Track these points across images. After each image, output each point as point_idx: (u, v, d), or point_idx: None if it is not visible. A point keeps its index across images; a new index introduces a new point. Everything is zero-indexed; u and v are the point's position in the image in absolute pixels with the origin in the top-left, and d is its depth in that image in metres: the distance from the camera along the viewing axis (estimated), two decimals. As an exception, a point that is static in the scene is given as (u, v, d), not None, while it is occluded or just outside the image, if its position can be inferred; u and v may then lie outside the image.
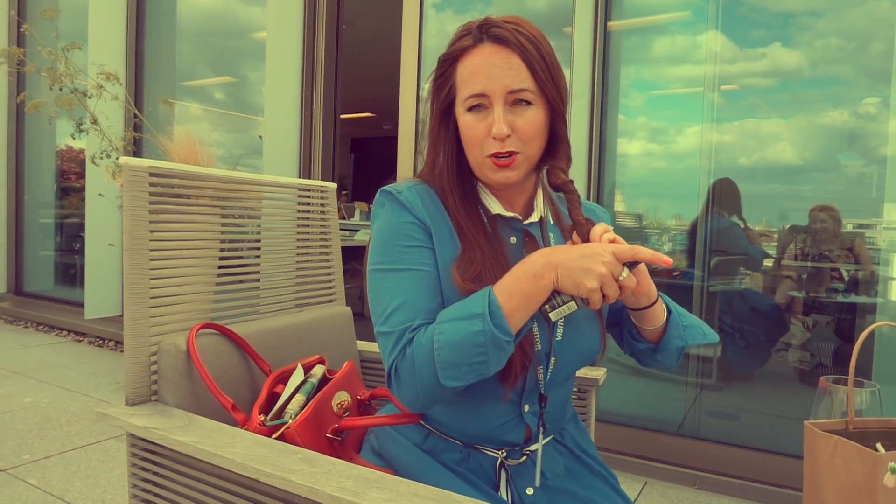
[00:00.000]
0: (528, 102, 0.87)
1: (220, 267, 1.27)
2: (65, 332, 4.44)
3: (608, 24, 2.60)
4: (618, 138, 2.69)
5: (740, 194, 2.59)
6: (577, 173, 2.53)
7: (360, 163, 10.93)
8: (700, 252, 2.67)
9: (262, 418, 0.98)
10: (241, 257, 1.31)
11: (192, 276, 1.14)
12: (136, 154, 3.64)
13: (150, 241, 1.06)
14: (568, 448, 1.03)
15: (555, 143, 0.92)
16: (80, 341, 4.26)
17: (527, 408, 0.94)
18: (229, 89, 4.43)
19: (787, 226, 2.56)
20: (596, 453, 1.08)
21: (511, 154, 0.88)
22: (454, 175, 0.94)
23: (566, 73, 0.93)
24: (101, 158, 2.90)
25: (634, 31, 2.71)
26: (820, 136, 2.39)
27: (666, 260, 0.76)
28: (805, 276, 2.55)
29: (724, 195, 2.61)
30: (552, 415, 0.98)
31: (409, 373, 0.81)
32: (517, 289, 0.78)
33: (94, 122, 2.75)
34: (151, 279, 1.06)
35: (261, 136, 3.31)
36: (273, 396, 1.07)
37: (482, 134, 0.87)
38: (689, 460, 2.32)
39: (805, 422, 0.94)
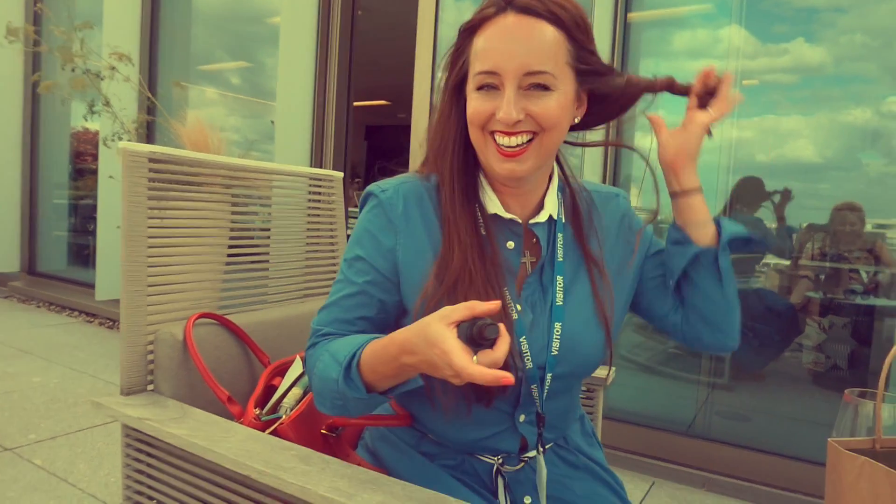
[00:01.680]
0: (547, 88, 0.76)
1: (228, 255, 1.25)
2: (76, 313, 4.47)
3: (628, 15, 2.54)
4: (635, 132, 2.65)
5: (766, 192, 2.53)
6: (594, 167, 2.49)
7: (374, 150, 10.89)
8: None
9: (258, 412, 0.95)
10: (249, 246, 1.28)
11: (194, 265, 1.12)
12: (149, 138, 3.63)
13: (149, 227, 1.04)
14: (571, 453, 0.98)
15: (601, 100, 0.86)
16: (91, 322, 4.29)
17: (522, 418, 0.89)
18: (245, 74, 4.40)
19: (805, 224, 2.50)
20: (602, 457, 1.03)
21: (528, 138, 0.78)
22: (457, 163, 0.84)
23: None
24: (113, 141, 2.90)
25: (655, 24, 2.65)
26: (841, 134, 2.34)
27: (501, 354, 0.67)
28: (823, 277, 2.50)
29: (748, 193, 2.56)
30: (552, 423, 0.92)
31: (309, 373, 0.85)
32: (380, 366, 0.75)
33: (107, 104, 2.74)
34: (149, 266, 1.04)
35: (273, 122, 3.28)
36: (270, 389, 1.05)
37: (487, 113, 0.78)
38: (698, 461, 2.28)
39: (829, 440, 0.87)
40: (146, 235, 1.03)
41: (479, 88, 0.79)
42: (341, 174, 1.51)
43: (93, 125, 4.66)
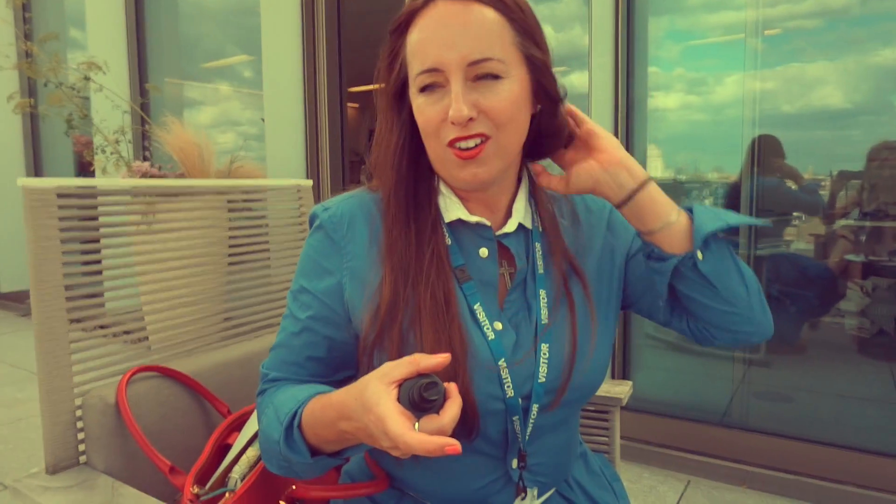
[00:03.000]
0: (496, 76, 0.66)
1: (170, 291, 1.09)
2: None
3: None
4: (649, 93, 2.47)
5: (783, 151, 2.34)
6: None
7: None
8: (744, 213, 2.43)
9: (197, 491, 0.81)
10: (193, 277, 1.13)
11: (127, 313, 0.97)
12: (144, 148, 3.50)
13: (65, 275, 0.89)
14: (581, 496, 0.85)
15: (549, 122, 0.72)
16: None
17: (515, 463, 0.76)
18: (248, 67, 4.24)
19: (836, 172, 2.30)
20: (621, 493, 0.90)
21: (479, 140, 0.67)
22: (403, 176, 0.73)
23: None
24: (98, 153, 2.78)
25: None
26: (870, 77, 2.19)
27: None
28: (861, 233, 2.29)
29: (768, 152, 2.36)
30: (547, 466, 0.79)
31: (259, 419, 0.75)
32: (320, 430, 0.66)
33: (84, 116, 2.61)
34: (71, 321, 0.89)
35: (263, 119, 3.13)
36: (222, 451, 0.90)
37: (438, 118, 0.67)
38: (736, 453, 2.10)
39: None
40: (62, 285, 0.88)
41: (423, 90, 0.69)
42: (310, 182, 1.35)
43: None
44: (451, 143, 0.67)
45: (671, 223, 0.70)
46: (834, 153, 2.32)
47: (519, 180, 0.78)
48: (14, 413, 2.82)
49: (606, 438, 1.12)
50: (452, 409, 0.57)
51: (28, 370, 3.48)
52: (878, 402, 2.12)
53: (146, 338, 1.07)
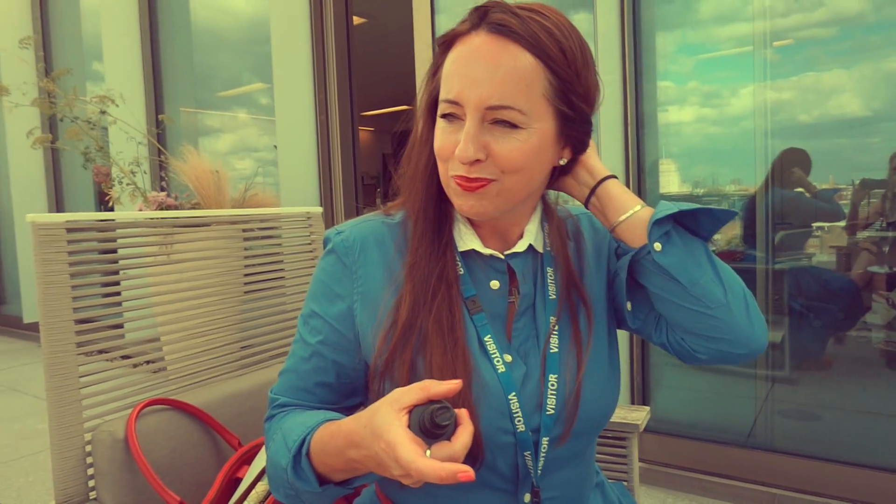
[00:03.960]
0: (514, 126, 0.64)
1: (187, 321, 1.09)
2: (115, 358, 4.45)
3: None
4: (659, 107, 2.46)
5: (810, 163, 2.31)
6: (613, 151, 2.30)
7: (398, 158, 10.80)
8: (761, 227, 2.39)
9: (206, 527, 0.79)
10: (206, 307, 1.13)
11: (140, 344, 0.97)
12: (161, 178, 3.55)
13: (75, 309, 0.89)
14: None
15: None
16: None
17: (527, 497, 0.73)
18: (260, 95, 4.30)
19: (858, 181, 2.25)
20: None
21: (480, 181, 0.66)
22: (430, 194, 0.72)
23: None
24: (115, 185, 2.82)
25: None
26: (889, 83, 2.16)
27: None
28: (885, 243, 2.24)
29: (791, 165, 2.33)
30: (561, 501, 0.76)
31: (266, 453, 0.73)
32: (328, 458, 0.64)
33: (100, 149, 2.65)
34: (79, 354, 0.89)
35: (276, 146, 3.16)
36: (232, 485, 0.89)
37: (449, 149, 0.67)
38: (762, 475, 2.04)
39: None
40: (72, 319, 0.88)
41: (444, 116, 0.68)
42: (320, 210, 1.35)
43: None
44: (455, 178, 0.67)
45: (631, 216, 0.71)
46: (854, 161, 2.27)
47: (533, 209, 0.77)
48: (34, 445, 2.83)
49: (625, 466, 1.09)
50: (464, 436, 0.56)
51: (48, 400, 3.50)
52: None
53: (164, 368, 1.07)
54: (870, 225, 2.26)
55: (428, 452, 0.54)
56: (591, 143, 0.74)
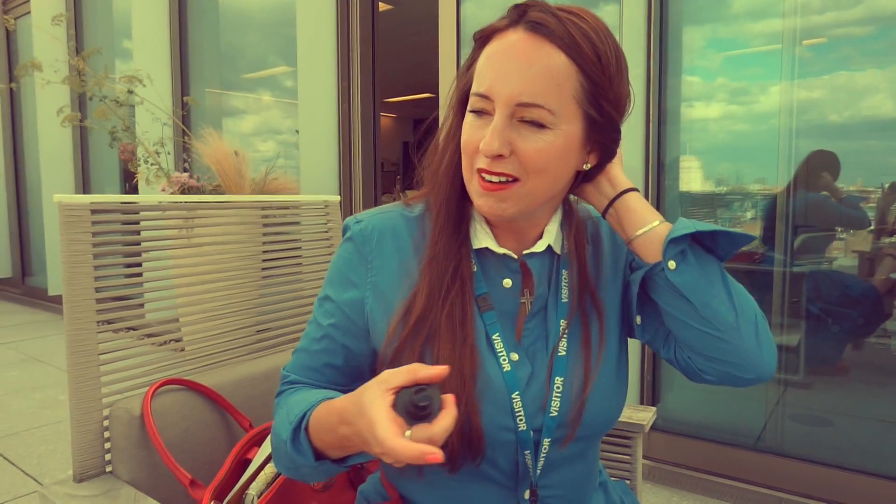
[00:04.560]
0: (541, 125, 0.64)
1: (206, 304, 1.12)
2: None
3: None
4: (683, 102, 2.43)
5: (839, 166, 2.26)
6: (633, 145, 2.29)
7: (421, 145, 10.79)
8: (781, 229, 2.36)
9: (214, 506, 0.82)
10: (223, 291, 1.15)
11: (160, 325, 1.00)
12: (184, 160, 3.60)
13: (96, 288, 0.92)
14: None
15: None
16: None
17: (527, 495, 0.74)
18: (286, 78, 4.33)
19: (887, 184, 2.20)
20: None
21: (505, 179, 0.66)
22: (454, 188, 0.73)
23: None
24: (140, 164, 2.86)
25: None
26: None
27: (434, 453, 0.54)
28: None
29: (819, 168, 2.29)
30: (561, 500, 0.77)
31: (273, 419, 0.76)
32: (323, 434, 0.66)
33: (126, 129, 2.69)
34: (100, 332, 0.92)
35: (297, 131, 3.18)
36: (242, 465, 0.92)
37: (475, 143, 0.67)
38: (770, 479, 2.03)
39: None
40: (94, 298, 0.91)
41: (473, 111, 0.69)
42: (338, 198, 1.37)
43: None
44: (479, 171, 0.67)
45: (648, 231, 0.70)
46: (884, 164, 2.22)
47: (553, 211, 0.77)
48: (56, 415, 2.91)
49: (628, 465, 1.10)
50: (445, 420, 0.55)
51: (70, 372, 3.59)
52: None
53: (182, 349, 1.10)
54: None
55: (408, 433, 0.55)
56: (619, 152, 0.74)
